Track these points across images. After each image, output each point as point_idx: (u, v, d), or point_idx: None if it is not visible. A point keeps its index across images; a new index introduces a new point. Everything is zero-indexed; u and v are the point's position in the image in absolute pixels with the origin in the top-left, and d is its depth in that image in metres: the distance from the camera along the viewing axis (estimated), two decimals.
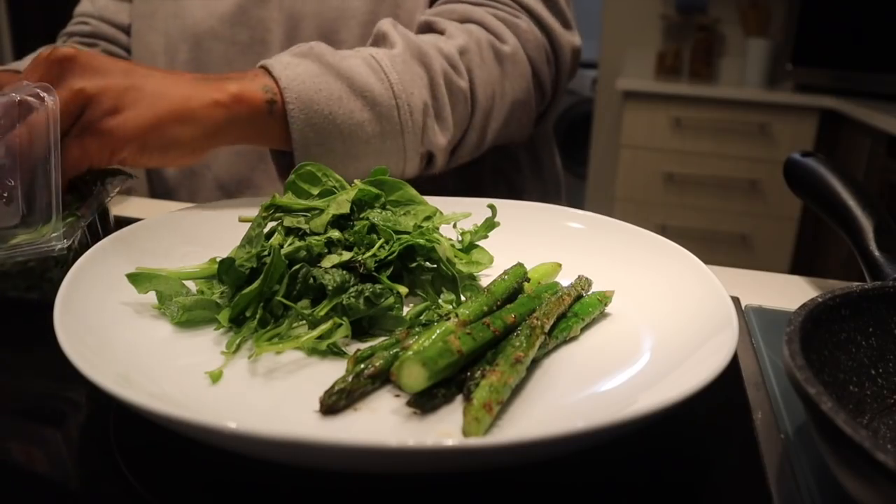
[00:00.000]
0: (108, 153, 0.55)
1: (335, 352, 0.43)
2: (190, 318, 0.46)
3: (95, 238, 0.54)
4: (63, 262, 0.51)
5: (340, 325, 0.45)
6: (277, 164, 0.68)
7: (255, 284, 0.45)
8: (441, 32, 0.75)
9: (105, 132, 0.54)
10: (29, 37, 3.30)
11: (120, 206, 0.83)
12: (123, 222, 0.55)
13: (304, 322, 0.45)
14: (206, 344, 0.44)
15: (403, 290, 0.47)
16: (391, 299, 0.47)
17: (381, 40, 0.71)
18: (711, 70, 2.87)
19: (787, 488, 0.35)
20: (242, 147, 0.87)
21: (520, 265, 0.51)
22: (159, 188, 0.94)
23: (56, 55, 0.53)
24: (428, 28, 0.77)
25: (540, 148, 1.00)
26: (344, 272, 0.47)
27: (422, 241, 0.51)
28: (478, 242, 0.57)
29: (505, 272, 0.50)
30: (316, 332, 0.43)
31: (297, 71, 0.62)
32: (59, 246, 0.48)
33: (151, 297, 0.47)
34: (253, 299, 0.45)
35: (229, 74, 0.62)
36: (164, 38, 0.88)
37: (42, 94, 0.50)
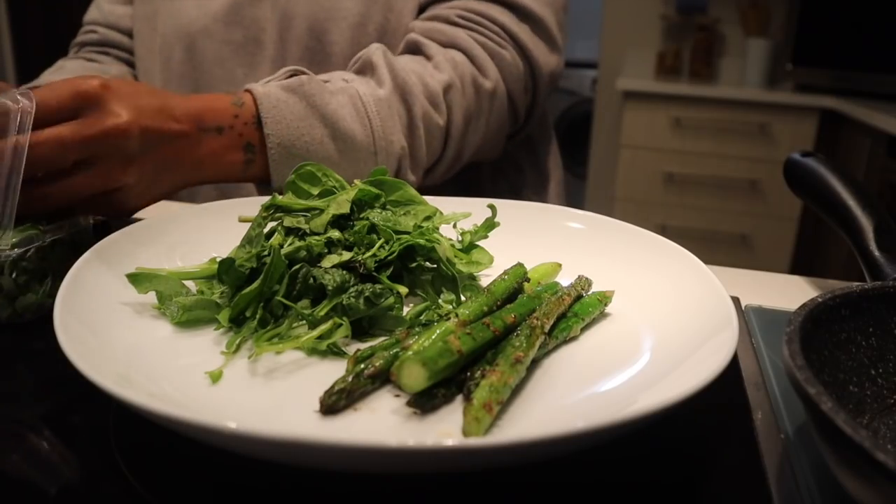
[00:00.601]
0: (112, 210, 0.57)
1: (335, 352, 0.43)
2: (190, 318, 0.46)
3: (70, 254, 0.52)
4: (13, 270, 0.49)
5: (340, 325, 0.45)
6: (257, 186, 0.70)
7: (255, 284, 0.45)
8: (428, 58, 0.76)
9: (115, 203, 0.56)
10: (29, 37, 3.31)
11: None
12: (123, 222, 0.55)
13: (304, 322, 0.45)
14: (206, 344, 0.44)
15: (403, 290, 0.47)
16: (391, 299, 0.47)
17: (368, 70, 0.72)
18: (711, 70, 2.87)
19: (787, 488, 0.35)
20: None
21: (520, 265, 0.51)
22: None
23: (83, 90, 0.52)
24: (415, 49, 0.78)
25: (540, 147, 1.00)
26: (344, 272, 0.47)
27: (422, 241, 0.51)
28: (478, 242, 0.57)
29: (505, 272, 0.50)
30: (316, 332, 0.43)
31: (283, 113, 0.64)
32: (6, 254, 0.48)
33: (151, 297, 0.47)
34: (253, 299, 0.45)
35: (218, 108, 0.62)
36: (161, 39, 0.89)
37: (20, 98, 0.49)
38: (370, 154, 0.68)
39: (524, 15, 0.80)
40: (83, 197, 0.53)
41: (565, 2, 0.86)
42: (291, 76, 0.68)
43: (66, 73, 0.88)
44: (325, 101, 0.66)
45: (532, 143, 0.98)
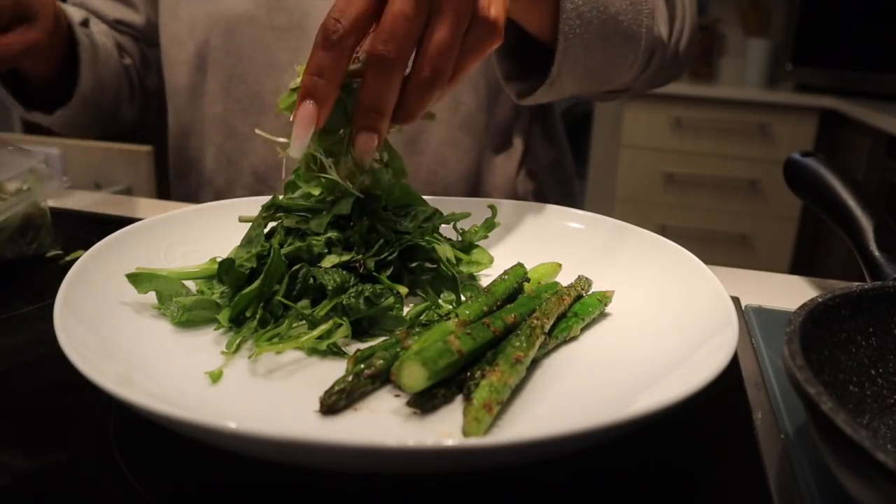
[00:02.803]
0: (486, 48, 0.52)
1: (335, 352, 0.43)
2: (190, 318, 0.46)
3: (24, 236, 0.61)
4: None
5: (340, 325, 0.44)
6: (515, 89, 0.69)
7: (255, 284, 0.45)
8: None
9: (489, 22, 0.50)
10: None
11: (120, 207, 0.83)
12: (123, 222, 0.55)
13: (304, 322, 0.45)
14: (206, 344, 0.44)
15: (403, 290, 0.47)
16: (391, 299, 0.47)
17: None
18: (711, 70, 2.87)
19: (787, 488, 0.35)
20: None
21: (520, 265, 0.51)
22: (195, 179, 0.92)
23: None
24: None
25: (559, 151, 1.01)
26: (344, 272, 0.47)
27: (422, 242, 0.50)
28: (478, 242, 0.57)
29: (505, 272, 0.50)
30: (316, 332, 0.43)
31: None
32: None
33: (151, 297, 0.47)
34: (253, 299, 0.45)
35: None
36: (189, 25, 0.86)
37: None
38: (639, 18, 0.69)
39: None
40: (452, 45, 0.48)
41: None
42: None
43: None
44: None
45: (553, 143, 0.98)
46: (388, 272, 0.49)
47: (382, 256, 0.49)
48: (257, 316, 0.45)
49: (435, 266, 0.51)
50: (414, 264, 0.51)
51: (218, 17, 0.84)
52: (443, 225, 0.54)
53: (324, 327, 0.44)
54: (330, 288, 0.46)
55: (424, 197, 0.56)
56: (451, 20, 0.47)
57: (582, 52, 0.65)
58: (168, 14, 0.88)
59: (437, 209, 0.55)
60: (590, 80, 0.70)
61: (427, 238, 0.51)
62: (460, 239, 0.56)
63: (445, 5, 0.47)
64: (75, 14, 0.85)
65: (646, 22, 0.70)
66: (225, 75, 0.86)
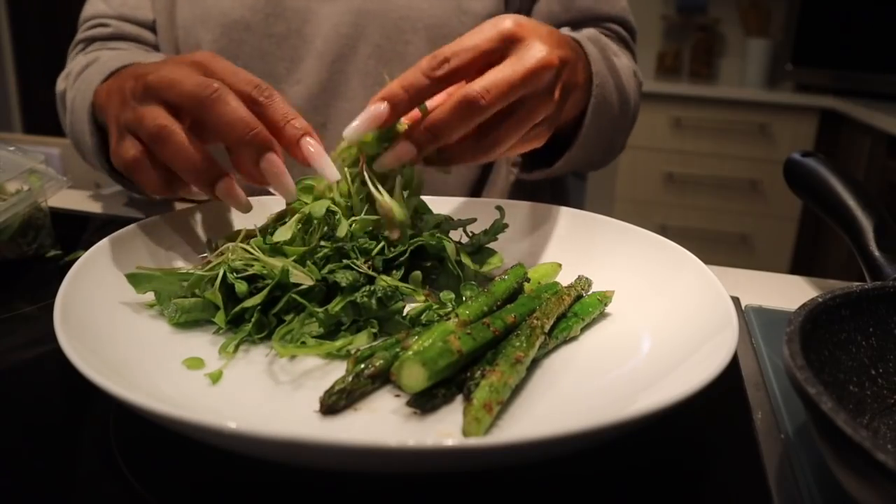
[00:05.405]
0: (532, 143, 0.55)
1: (335, 352, 0.43)
2: (188, 319, 0.46)
3: (25, 236, 0.62)
4: None
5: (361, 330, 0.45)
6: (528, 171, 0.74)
7: (258, 298, 0.45)
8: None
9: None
10: (29, 37, 3.31)
11: (120, 207, 0.83)
12: (123, 222, 0.55)
13: (315, 320, 0.45)
14: (206, 344, 0.44)
15: (417, 276, 0.48)
16: (400, 304, 0.46)
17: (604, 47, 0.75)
18: (711, 70, 2.87)
19: (787, 488, 0.35)
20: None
21: (520, 265, 0.51)
22: None
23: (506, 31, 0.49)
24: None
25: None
26: (355, 272, 0.47)
27: (432, 241, 0.50)
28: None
29: (505, 272, 0.50)
30: (339, 343, 0.43)
31: (594, 57, 0.66)
32: None
33: (151, 296, 0.47)
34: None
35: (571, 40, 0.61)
36: (183, 31, 0.83)
37: None
38: (628, 118, 0.74)
39: (631, 33, 0.87)
40: (519, 134, 0.51)
41: None
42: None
43: (101, 64, 0.74)
44: (614, 51, 0.71)
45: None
46: (400, 274, 0.49)
47: (392, 256, 0.49)
48: (253, 319, 0.44)
49: (442, 264, 0.51)
50: (428, 264, 0.51)
51: (212, 24, 0.81)
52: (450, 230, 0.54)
53: (348, 338, 0.44)
54: (343, 285, 0.45)
55: (426, 196, 0.56)
56: (539, 110, 0.50)
57: (583, 149, 0.69)
58: (164, 17, 0.85)
59: (448, 216, 0.55)
60: (585, 163, 0.76)
61: (437, 237, 0.51)
62: (470, 241, 0.56)
63: (543, 98, 0.50)
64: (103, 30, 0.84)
65: (632, 110, 0.77)
66: None
